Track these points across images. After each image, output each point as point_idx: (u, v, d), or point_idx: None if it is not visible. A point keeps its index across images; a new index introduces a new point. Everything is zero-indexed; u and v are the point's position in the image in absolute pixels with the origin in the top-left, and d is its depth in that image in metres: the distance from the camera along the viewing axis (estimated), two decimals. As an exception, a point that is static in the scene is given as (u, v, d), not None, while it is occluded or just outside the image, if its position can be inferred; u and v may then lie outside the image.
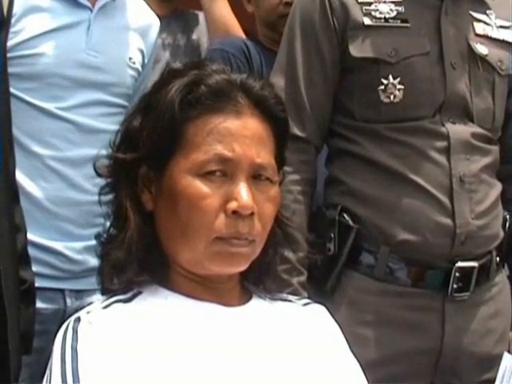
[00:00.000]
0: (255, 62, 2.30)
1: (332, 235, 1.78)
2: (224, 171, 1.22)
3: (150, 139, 1.25)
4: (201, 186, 1.21)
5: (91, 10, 2.04)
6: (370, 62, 1.79)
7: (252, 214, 1.22)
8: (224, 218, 1.21)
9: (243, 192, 1.21)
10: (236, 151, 1.22)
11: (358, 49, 1.79)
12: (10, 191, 1.50)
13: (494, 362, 1.82)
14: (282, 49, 1.88)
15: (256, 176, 1.24)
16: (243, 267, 1.26)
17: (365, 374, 1.33)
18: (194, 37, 2.67)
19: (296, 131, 1.80)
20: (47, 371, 1.19)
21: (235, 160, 1.22)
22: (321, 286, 1.79)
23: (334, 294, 1.78)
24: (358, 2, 1.80)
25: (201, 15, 2.70)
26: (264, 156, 1.25)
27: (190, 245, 1.22)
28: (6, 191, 1.46)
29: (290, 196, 1.76)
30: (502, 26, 1.92)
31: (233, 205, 1.20)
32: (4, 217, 1.44)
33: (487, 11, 1.92)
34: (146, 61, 2.17)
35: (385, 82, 1.77)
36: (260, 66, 2.29)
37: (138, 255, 1.25)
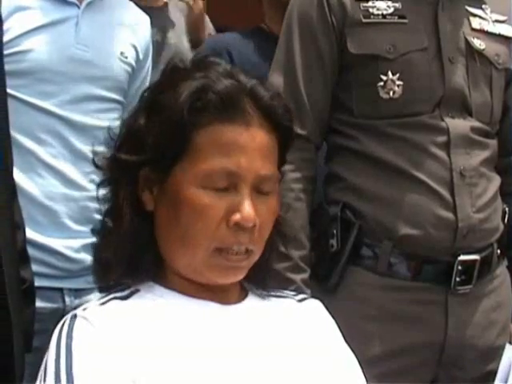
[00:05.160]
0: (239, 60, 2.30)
1: (334, 231, 1.78)
2: (229, 184, 1.21)
3: (157, 143, 1.23)
4: (204, 197, 1.20)
5: (78, 7, 2.04)
6: (369, 58, 1.78)
7: (253, 226, 1.21)
8: (225, 228, 1.20)
9: (246, 204, 1.20)
10: (242, 165, 1.21)
11: (357, 45, 1.79)
12: (9, 189, 1.49)
13: (497, 353, 1.84)
14: (280, 47, 1.87)
15: (259, 188, 1.23)
16: (241, 277, 1.26)
17: (364, 368, 1.33)
18: (170, 35, 2.65)
19: (296, 129, 1.78)
20: (41, 368, 1.18)
21: (241, 174, 1.21)
22: (324, 283, 1.78)
23: (337, 289, 1.78)
24: (355, 0, 1.80)
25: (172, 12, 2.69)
26: (269, 168, 1.24)
27: (189, 252, 1.22)
28: (6, 189, 1.45)
29: (291, 194, 1.76)
30: (497, 21, 1.93)
31: (236, 217, 1.20)
32: (5, 216, 1.43)
33: (483, 6, 1.94)
34: (140, 56, 2.16)
35: (384, 78, 1.77)
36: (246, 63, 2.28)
37: (130, 255, 1.24)
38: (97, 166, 1.31)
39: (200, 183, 1.20)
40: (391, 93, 1.77)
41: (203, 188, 1.20)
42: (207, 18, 2.80)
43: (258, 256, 1.26)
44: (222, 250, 1.21)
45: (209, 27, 2.81)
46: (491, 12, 1.93)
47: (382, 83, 1.78)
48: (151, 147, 1.23)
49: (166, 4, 2.76)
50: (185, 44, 2.69)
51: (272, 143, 1.25)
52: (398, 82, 1.77)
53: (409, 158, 1.76)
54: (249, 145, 1.22)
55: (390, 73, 1.77)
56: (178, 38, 2.68)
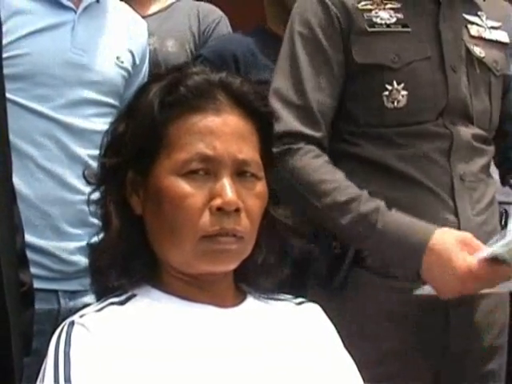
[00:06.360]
0: (245, 60, 2.32)
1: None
2: (207, 170, 1.23)
3: (133, 143, 1.26)
4: (184, 186, 1.22)
5: (75, 12, 2.05)
6: (374, 67, 1.79)
7: (237, 210, 1.22)
8: (209, 215, 1.21)
9: (227, 188, 1.21)
10: (217, 149, 1.23)
11: (362, 55, 1.80)
12: (9, 193, 1.50)
13: (496, 353, 1.85)
14: (282, 56, 1.87)
15: (240, 173, 1.25)
16: (233, 265, 1.26)
17: (366, 367, 1.34)
18: (150, 41, 2.66)
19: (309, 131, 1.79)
20: (40, 375, 1.19)
21: (217, 158, 1.22)
22: (327, 283, 1.79)
23: (341, 290, 1.78)
24: (359, 9, 1.81)
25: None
26: (247, 152, 1.25)
27: (178, 245, 1.23)
28: (6, 193, 1.46)
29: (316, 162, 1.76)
30: (492, 27, 1.94)
31: (217, 201, 1.21)
32: (5, 219, 1.43)
33: (478, 13, 1.94)
34: (137, 61, 2.18)
35: (389, 87, 1.78)
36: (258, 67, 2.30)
37: (121, 259, 1.25)
38: (88, 181, 1.34)
39: (178, 172, 1.22)
40: (396, 102, 1.78)
41: (182, 177, 1.22)
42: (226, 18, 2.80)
43: (251, 244, 1.26)
44: (209, 238, 1.21)
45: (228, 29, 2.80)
46: (487, 18, 1.94)
47: (387, 92, 1.78)
48: (128, 147, 1.26)
49: (166, 7, 2.77)
50: (169, 48, 2.69)
51: (248, 128, 1.27)
52: (402, 92, 1.78)
53: (412, 163, 1.77)
54: (221, 129, 1.24)
55: (394, 82, 1.78)
56: (161, 44, 2.68)
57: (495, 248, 1.58)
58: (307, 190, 1.74)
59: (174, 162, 1.23)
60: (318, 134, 1.79)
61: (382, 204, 1.72)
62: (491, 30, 1.93)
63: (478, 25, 1.92)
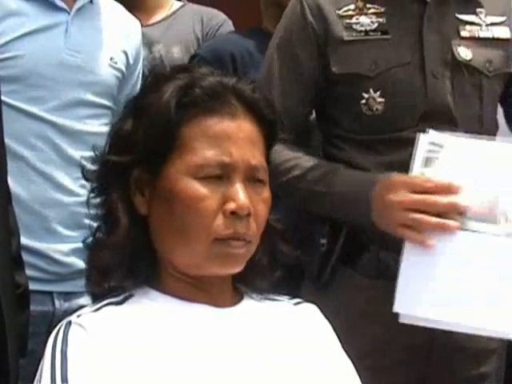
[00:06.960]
0: (243, 60, 2.33)
1: (324, 231, 1.80)
2: (221, 174, 1.24)
3: (145, 142, 1.25)
4: (198, 188, 1.23)
5: (68, 13, 2.04)
6: (351, 76, 1.80)
7: (249, 214, 1.23)
8: (222, 218, 1.23)
9: (241, 193, 1.23)
10: (233, 155, 1.24)
11: (339, 65, 1.80)
12: (4, 194, 1.50)
13: (489, 356, 1.85)
14: (264, 62, 1.91)
15: (250, 178, 1.26)
16: (240, 268, 1.28)
17: (356, 366, 1.35)
18: (156, 48, 2.67)
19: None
20: (37, 375, 1.19)
21: (233, 164, 1.24)
22: (315, 281, 1.81)
23: (329, 288, 1.79)
24: (339, 16, 1.81)
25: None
26: (257, 158, 1.27)
27: (189, 247, 1.24)
28: (1, 194, 1.46)
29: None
30: (493, 23, 1.89)
31: (231, 205, 1.22)
32: (0, 220, 1.43)
33: (477, 10, 1.89)
34: (130, 61, 2.18)
35: (366, 95, 1.79)
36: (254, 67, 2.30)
37: (127, 259, 1.25)
38: (86, 178, 1.33)
39: (193, 174, 1.23)
40: (373, 109, 1.79)
41: (196, 179, 1.23)
42: (230, 22, 2.82)
43: (254, 249, 1.28)
44: (221, 241, 1.23)
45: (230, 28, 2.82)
46: (487, 15, 1.89)
47: (364, 101, 1.79)
48: (141, 148, 1.25)
49: (170, 15, 2.78)
50: (175, 54, 2.70)
51: (258, 135, 1.29)
52: (379, 100, 1.78)
53: (391, 170, 1.73)
54: (237, 135, 1.25)
55: (371, 90, 1.79)
56: (167, 51, 2.69)
57: (417, 170, 1.60)
58: (273, 171, 1.77)
59: (188, 164, 1.23)
60: (288, 137, 1.80)
61: (341, 166, 1.76)
62: (489, 27, 1.88)
63: (473, 23, 1.87)
